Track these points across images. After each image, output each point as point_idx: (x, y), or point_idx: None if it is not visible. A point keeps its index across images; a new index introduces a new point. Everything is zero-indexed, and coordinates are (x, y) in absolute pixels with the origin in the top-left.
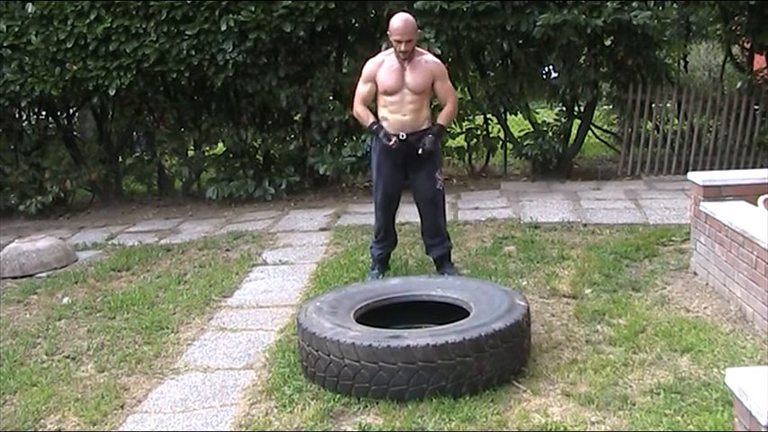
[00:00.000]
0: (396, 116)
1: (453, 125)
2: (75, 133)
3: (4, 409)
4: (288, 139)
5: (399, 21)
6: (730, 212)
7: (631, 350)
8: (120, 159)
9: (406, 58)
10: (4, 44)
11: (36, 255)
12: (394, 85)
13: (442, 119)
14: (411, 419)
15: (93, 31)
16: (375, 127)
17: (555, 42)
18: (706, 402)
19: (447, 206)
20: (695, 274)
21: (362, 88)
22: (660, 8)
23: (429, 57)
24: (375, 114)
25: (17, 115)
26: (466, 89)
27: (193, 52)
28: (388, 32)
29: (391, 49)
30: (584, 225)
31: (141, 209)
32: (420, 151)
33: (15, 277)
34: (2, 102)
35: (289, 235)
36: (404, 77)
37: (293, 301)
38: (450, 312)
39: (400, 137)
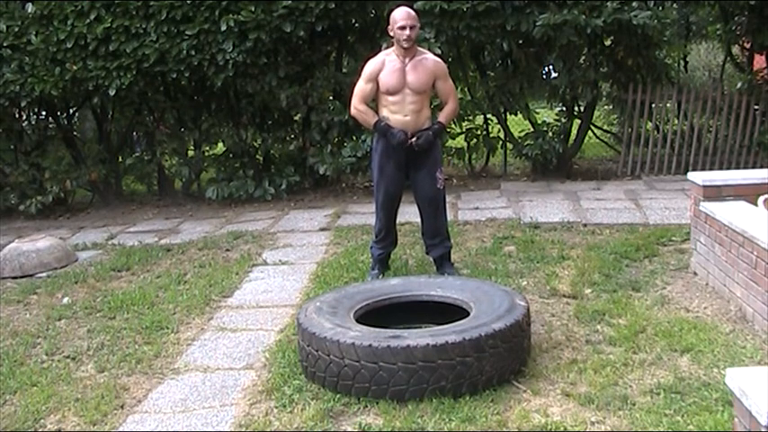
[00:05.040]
0: (397, 116)
1: (453, 125)
2: (75, 133)
3: (4, 409)
4: (288, 139)
5: (401, 9)
6: (730, 212)
7: (631, 350)
8: (120, 159)
9: (410, 46)
10: (4, 44)
11: (36, 255)
12: (396, 84)
13: (442, 117)
14: (411, 419)
15: (93, 31)
16: (381, 125)
17: (555, 42)
18: (706, 402)
19: (447, 206)
20: (695, 274)
21: (364, 87)
22: (660, 8)
23: (430, 56)
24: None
25: (17, 115)
26: (466, 89)
27: (193, 52)
28: (389, 28)
29: (391, 49)
30: (584, 225)
31: (141, 209)
32: (413, 143)
33: (15, 277)
34: (2, 102)
35: (289, 235)
36: (405, 77)
37: (293, 301)
38: (450, 312)
39: (408, 136)
